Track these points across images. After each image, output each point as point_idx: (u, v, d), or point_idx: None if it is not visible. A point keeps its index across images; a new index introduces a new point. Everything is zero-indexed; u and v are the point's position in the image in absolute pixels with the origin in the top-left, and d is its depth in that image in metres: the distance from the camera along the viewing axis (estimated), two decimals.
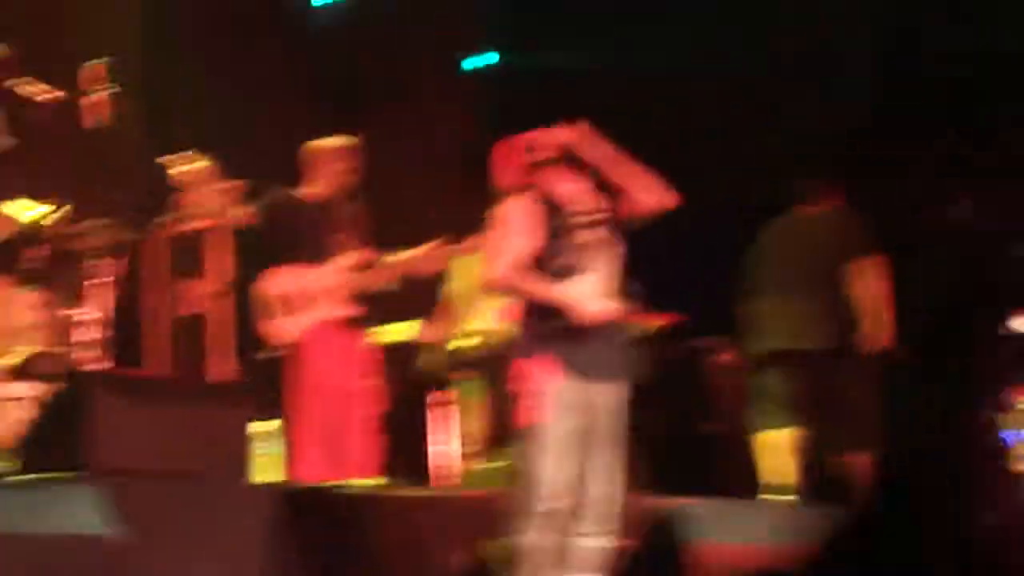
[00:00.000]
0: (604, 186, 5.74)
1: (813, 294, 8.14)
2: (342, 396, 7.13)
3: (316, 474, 7.25)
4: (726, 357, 9.51)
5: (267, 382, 7.89)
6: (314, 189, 7.59)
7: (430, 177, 9.49)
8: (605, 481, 5.59)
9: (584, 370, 5.56)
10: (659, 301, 8.17)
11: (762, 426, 8.47)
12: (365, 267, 7.52)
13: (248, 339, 8.03)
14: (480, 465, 8.04)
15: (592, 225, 5.69)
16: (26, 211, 6.61)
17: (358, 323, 7.49)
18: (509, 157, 5.77)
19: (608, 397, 5.64)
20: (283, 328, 7.46)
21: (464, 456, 8.53)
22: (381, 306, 7.76)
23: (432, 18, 11.35)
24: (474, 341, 8.25)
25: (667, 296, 6.41)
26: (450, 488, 8.10)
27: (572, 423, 5.52)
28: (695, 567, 5.41)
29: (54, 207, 6.76)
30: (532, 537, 5.51)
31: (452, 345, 8.34)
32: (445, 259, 7.72)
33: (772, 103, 10.58)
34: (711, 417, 9.75)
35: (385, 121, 9.37)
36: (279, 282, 7.47)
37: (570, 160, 5.69)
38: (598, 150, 5.69)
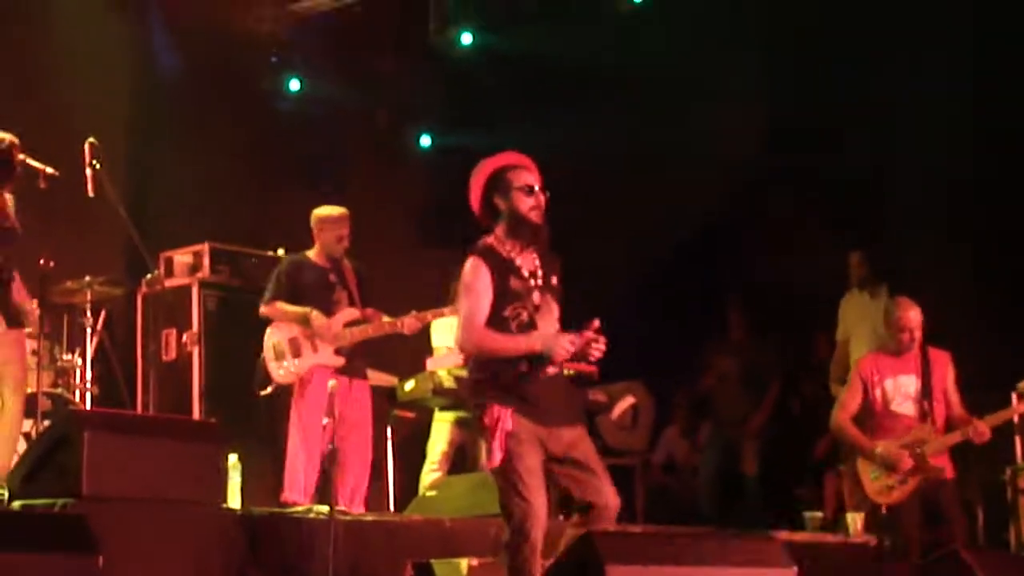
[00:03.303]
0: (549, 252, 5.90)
1: None
2: (330, 431, 7.45)
3: (304, 498, 7.79)
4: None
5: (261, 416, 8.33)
6: (315, 251, 8.30)
7: (391, 243, 9.67)
8: None
9: (538, 417, 5.64)
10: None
11: None
12: (360, 323, 8.20)
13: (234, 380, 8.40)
14: (433, 491, 8.21)
15: (541, 289, 5.80)
16: None
17: (350, 370, 8.11)
18: (478, 180, 5.87)
19: (570, 436, 5.72)
20: (286, 369, 8.06)
21: (424, 479, 8.79)
22: (370, 355, 8.36)
23: (393, 101, 11.55)
24: (447, 375, 8.61)
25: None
26: (401, 514, 8.26)
27: (538, 457, 5.61)
28: None
29: None
30: (523, 564, 5.55)
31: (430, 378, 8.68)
32: (423, 323, 8.37)
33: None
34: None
35: (350, 194, 9.58)
36: (284, 329, 8.11)
37: (522, 226, 5.79)
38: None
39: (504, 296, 5.70)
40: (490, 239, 5.81)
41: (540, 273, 5.80)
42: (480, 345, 5.68)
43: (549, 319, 5.79)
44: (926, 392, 7.63)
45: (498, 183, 5.81)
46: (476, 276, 5.71)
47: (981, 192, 10.06)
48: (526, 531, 5.54)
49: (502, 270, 5.73)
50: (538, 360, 5.67)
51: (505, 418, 5.57)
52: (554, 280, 5.84)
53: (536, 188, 5.81)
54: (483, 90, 11.46)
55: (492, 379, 5.66)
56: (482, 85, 11.50)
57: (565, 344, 5.63)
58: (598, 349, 5.71)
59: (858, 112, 10.46)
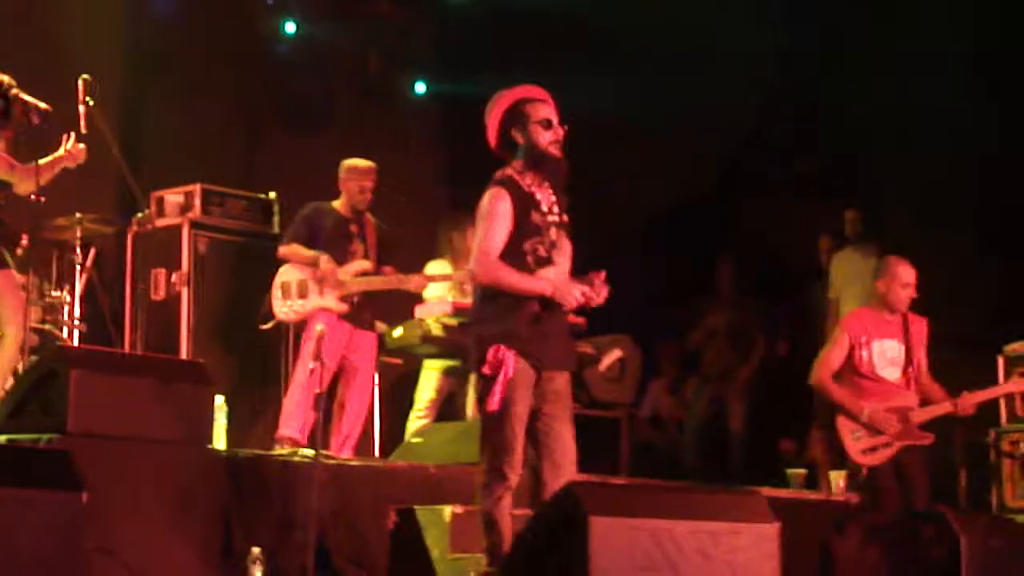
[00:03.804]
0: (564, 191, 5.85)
1: None
2: (319, 375, 7.47)
3: (300, 435, 7.86)
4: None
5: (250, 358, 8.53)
6: (341, 202, 8.41)
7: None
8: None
9: (539, 358, 5.64)
10: None
11: None
12: (369, 275, 8.32)
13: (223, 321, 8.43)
14: (418, 438, 8.22)
15: (558, 225, 5.77)
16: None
17: (357, 320, 8.26)
18: (495, 113, 5.80)
19: (558, 383, 5.74)
20: (291, 308, 8.18)
21: (411, 426, 8.80)
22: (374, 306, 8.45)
23: (389, 47, 11.47)
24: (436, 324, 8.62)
25: None
26: (386, 459, 8.28)
27: (527, 403, 5.61)
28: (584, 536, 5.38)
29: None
30: (495, 506, 5.59)
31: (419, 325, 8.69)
32: (425, 284, 8.63)
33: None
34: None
35: (343, 138, 9.56)
36: (298, 270, 8.22)
37: (541, 160, 5.74)
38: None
39: (524, 229, 5.66)
40: (510, 171, 5.74)
41: (556, 209, 5.77)
42: (494, 277, 5.63)
43: (564, 255, 5.77)
44: (909, 358, 7.57)
45: (516, 116, 5.75)
46: (497, 205, 5.65)
47: (983, 177, 10.07)
48: (502, 472, 5.57)
49: (524, 203, 5.68)
50: (547, 304, 5.65)
51: (508, 362, 5.54)
52: (565, 217, 5.80)
53: (554, 122, 5.75)
54: (479, 39, 11.39)
55: (504, 315, 5.61)
56: (479, 34, 11.44)
57: (576, 293, 5.62)
58: (599, 300, 5.71)
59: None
